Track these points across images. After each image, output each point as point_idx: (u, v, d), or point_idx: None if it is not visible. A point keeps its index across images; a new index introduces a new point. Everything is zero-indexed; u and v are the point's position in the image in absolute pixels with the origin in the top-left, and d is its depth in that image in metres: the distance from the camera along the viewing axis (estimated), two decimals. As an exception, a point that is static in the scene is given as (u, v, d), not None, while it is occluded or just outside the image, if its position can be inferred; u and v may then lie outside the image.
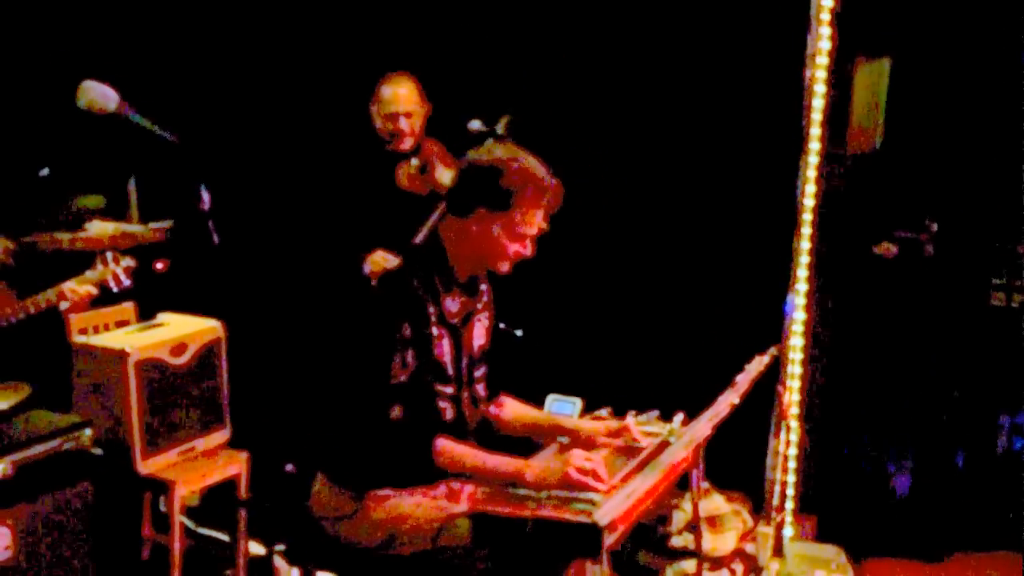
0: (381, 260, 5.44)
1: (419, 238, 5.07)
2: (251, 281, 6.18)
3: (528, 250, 3.96)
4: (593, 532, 3.46)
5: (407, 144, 5.72)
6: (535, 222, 3.92)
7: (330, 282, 5.49)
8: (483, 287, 4.20)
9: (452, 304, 4.02)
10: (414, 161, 5.61)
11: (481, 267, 4.07)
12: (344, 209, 5.65)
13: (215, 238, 3.59)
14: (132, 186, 6.66)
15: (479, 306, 4.17)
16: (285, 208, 6.36)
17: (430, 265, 4.00)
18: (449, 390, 4.02)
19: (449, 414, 4.02)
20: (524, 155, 3.95)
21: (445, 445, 3.83)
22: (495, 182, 3.86)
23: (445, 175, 5.49)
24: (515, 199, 3.86)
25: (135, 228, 6.49)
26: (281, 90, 6.68)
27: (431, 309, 3.94)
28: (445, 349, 3.99)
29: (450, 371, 4.02)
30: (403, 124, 5.70)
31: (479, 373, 4.19)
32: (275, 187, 6.52)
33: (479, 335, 4.17)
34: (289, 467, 3.92)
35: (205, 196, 3.64)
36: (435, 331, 3.95)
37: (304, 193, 6.09)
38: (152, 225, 6.54)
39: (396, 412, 3.80)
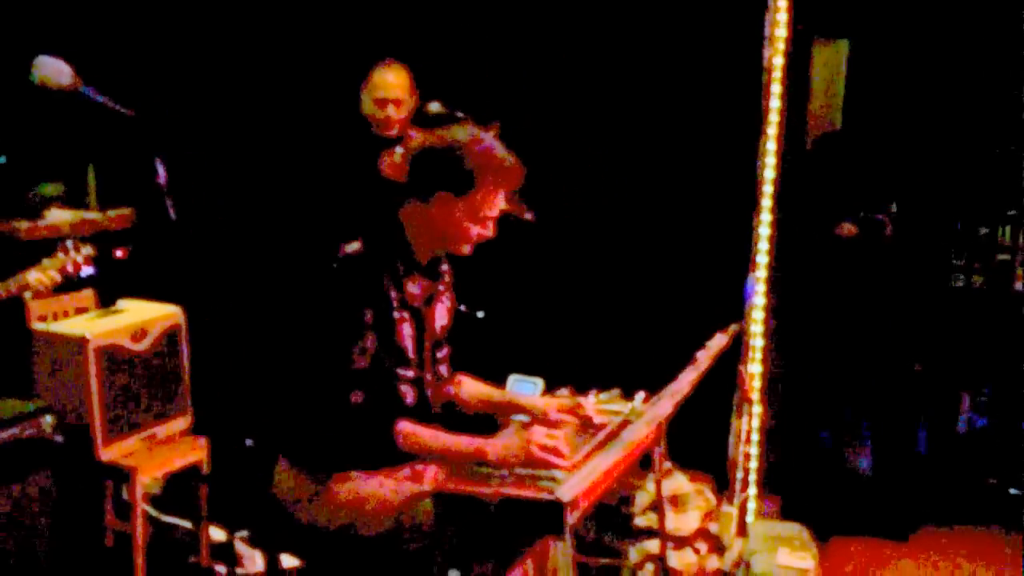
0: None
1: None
2: (211, 266, 6.19)
3: (490, 231, 3.94)
4: (556, 509, 3.45)
5: (393, 131, 5.70)
6: (497, 203, 3.91)
7: (295, 266, 5.46)
8: (444, 268, 4.18)
9: (414, 287, 4.00)
10: (399, 150, 5.59)
11: (443, 249, 4.05)
12: (322, 193, 5.64)
13: (172, 214, 3.55)
14: (91, 173, 6.63)
15: (441, 287, 4.16)
16: (251, 187, 6.33)
17: (391, 249, 3.97)
18: (410, 374, 4.00)
19: (410, 398, 4.00)
20: (484, 136, 3.94)
21: (406, 428, 3.82)
22: (456, 165, 3.84)
23: None
24: (477, 182, 3.84)
25: (94, 215, 6.49)
26: (263, 69, 6.65)
27: (393, 293, 3.92)
28: (407, 333, 3.97)
29: (411, 354, 4.00)
30: (391, 111, 5.68)
31: (441, 354, 4.18)
32: (243, 167, 6.49)
33: (441, 316, 4.16)
34: (248, 442, 3.91)
35: (161, 171, 3.61)
36: (397, 315, 3.93)
37: (278, 173, 6.06)
38: (111, 212, 6.54)
39: (356, 397, 3.79)
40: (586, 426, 4.11)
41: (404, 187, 3.96)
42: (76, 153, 6.67)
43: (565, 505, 3.44)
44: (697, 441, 5.36)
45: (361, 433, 3.82)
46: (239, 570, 5.49)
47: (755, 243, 5.49)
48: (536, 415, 4.19)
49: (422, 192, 3.92)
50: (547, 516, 3.49)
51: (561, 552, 3.95)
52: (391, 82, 5.71)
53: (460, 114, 5.12)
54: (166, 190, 3.56)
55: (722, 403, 5.53)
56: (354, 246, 3.95)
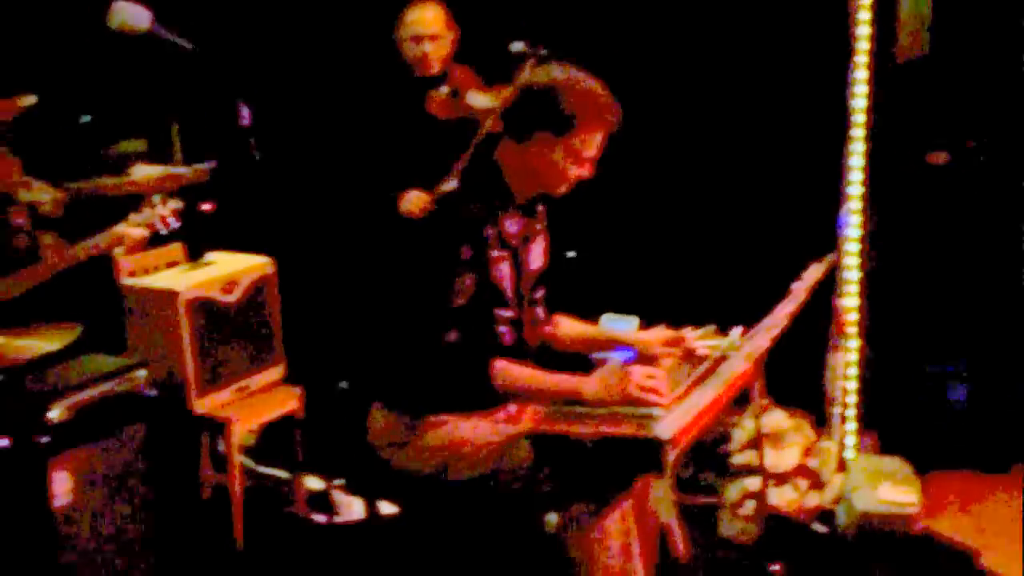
0: (417, 200, 5.40)
1: (461, 166, 5.04)
2: (299, 213, 6.21)
3: (588, 172, 3.89)
4: (656, 447, 3.41)
5: (433, 68, 5.64)
6: (596, 144, 3.85)
7: (385, 207, 5.44)
8: (540, 208, 4.13)
9: (511, 225, 3.97)
10: (444, 88, 5.53)
11: (540, 189, 4.01)
12: (377, 139, 5.60)
13: (256, 156, 3.53)
14: (174, 128, 6.63)
15: (537, 227, 4.12)
16: (323, 139, 6.30)
17: (488, 187, 3.94)
18: (508, 313, 3.97)
19: (508, 337, 3.97)
20: (584, 76, 3.87)
21: (503, 367, 3.79)
22: (555, 105, 3.79)
23: (476, 98, 5.43)
24: (576, 122, 3.78)
25: (179, 170, 6.47)
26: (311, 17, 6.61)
27: (490, 231, 3.89)
28: (504, 272, 3.94)
29: (509, 294, 3.97)
30: (428, 47, 5.61)
31: (538, 295, 4.14)
32: (312, 116, 6.46)
33: (537, 256, 4.11)
34: (343, 384, 3.88)
35: (245, 113, 3.59)
36: (494, 253, 3.90)
37: (339, 125, 6.03)
38: (196, 166, 6.53)
39: (453, 336, 3.76)
40: (688, 360, 4.04)
41: (456, 125, 3.92)
42: (158, 109, 6.66)
43: (665, 443, 3.40)
44: (794, 376, 5.29)
45: (457, 373, 3.79)
46: (336, 518, 5.50)
47: (847, 173, 5.40)
48: (639, 349, 4.13)
49: (520, 132, 3.87)
50: (647, 454, 3.44)
51: (662, 491, 3.90)
52: (426, 18, 5.64)
53: (543, 52, 5.05)
54: (250, 132, 3.53)
55: (818, 337, 5.45)
56: (451, 184, 3.92)
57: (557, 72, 3.88)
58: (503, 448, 3.75)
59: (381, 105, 5.73)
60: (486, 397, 3.83)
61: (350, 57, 6.30)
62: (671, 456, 3.44)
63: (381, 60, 5.79)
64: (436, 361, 3.79)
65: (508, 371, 3.79)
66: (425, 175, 5.27)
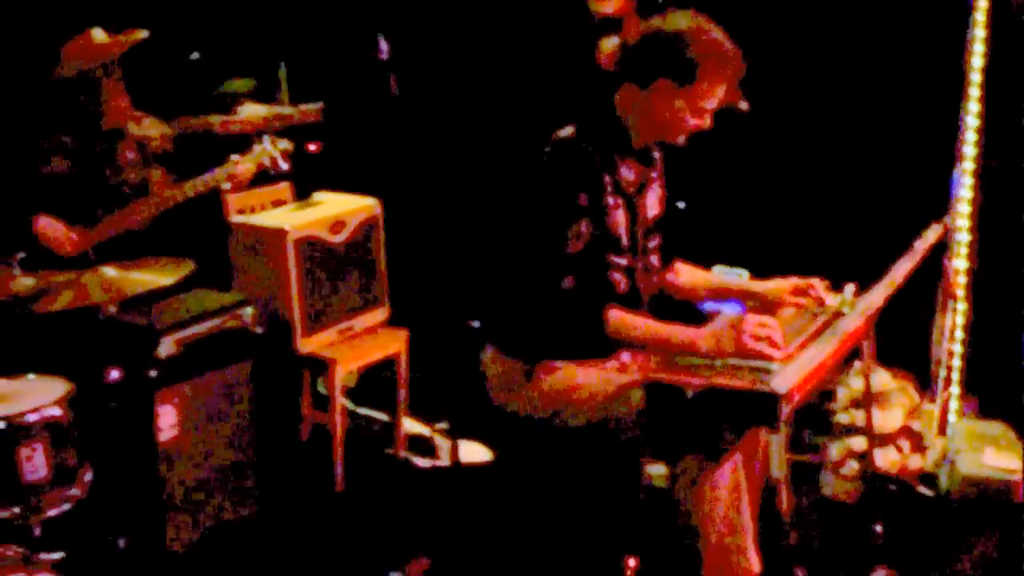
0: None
1: None
2: (408, 155, 6.19)
3: (707, 123, 3.85)
4: (771, 400, 3.37)
5: (608, 7, 5.51)
6: (717, 95, 3.81)
7: (506, 149, 5.37)
8: (656, 155, 4.10)
9: (627, 172, 3.94)
10: (615, 39, 5.41)
11: (657, 137, 3.97)
12: (534, 76, 5.50)
13: (395, 90, 3.51)
14: (282, 68, 6.65)
15: (653, 175, 4.08)
16: (460, 69, 6.23)
17: (605, 133, 3.90)
18: (623, 261, 3.95)
19: (623, 285, 3.96)
20: (711, 27, 3.81)
21: (617, 315, 3.76)
22: (680, 53, 3.74)
23: None
24: (700, 72, 3.74)
25: (286, 110, 6.50)
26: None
27: (606, 178, 3.86)
28: (620, 219, 3.91)
29: (625, 241, 3.95)
30: None
31: (653, 244, 4.11)
32: (454, 44, 6.38)
33: (653, 204, 4.08)
34: (476, 324, 3.87)
35: (384, 46, 3.56)
36: (611, 200, 3.87)
37: (488, 56, 5.95)
38: (303, 107, 6.55)
39: (569, 282, 3.74)
40: (803, 314, 3.99)
41: (620, 73, 3.87)
42: (266, 48, 6.68)
43: (780, 397, 3.36)
44: (899, 337, 5.22)
45: (572, 318, 3.76)
46: (435, 461, 5.52)
47: (962, 133, 5.31)
48: (765, 298, 4.10)
49: (642, 78, 3.82)
50: (761, 408, 3.41)
51: (775, 445, 3.87)
52: None
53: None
54: (388, 66, 3.50)
55: (925, 298, 5.38)
56: (567, 130, 3.89)
57: (685, 20, 3.82)
58: (615, 396, 3.73)
59: (547, 44, 5.62)
60: (599, 345, 3.80)
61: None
62: (785, 411, 3.40)
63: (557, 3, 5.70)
64: (552, 307, 3.77)
65: (622, 320, 3.76)
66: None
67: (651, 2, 5.03)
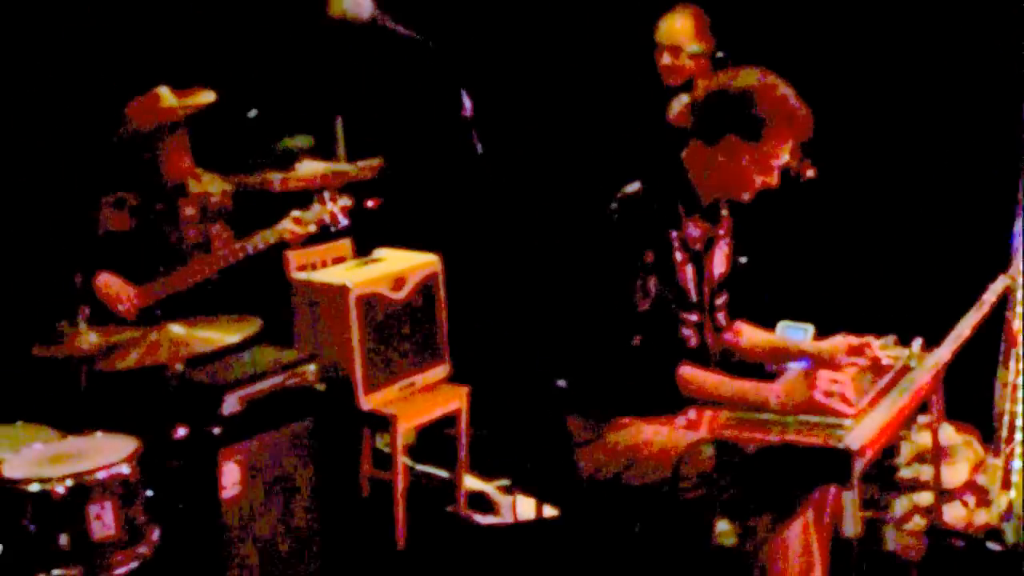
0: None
1: None
2: (467, 211, 6.19)
3: (774, 180, 3.84)
4: (843, 457, 3.35)
5: (675, 79, 5.51)
6: (784, 153, 3.80)
7: (573, 207, 5.39)
8: (724, 213, 4.09)
9: (694, 230, 3.94)
10: (684, 97, 5.44)
11: (724, 194, 3.97)
12: (606, 138, 5.53)
13: (478, 147, 3.51)
14: (339, 125, 6.68)
15: (720, 232, 4.08)
16: (531, 127, 6.24)
17: (672, 190, 3.91)
18: (694, 317, 3.96)
19: (693, 341, 3.95)
20: (779, 83, 3.82)
21: (688, 371, 3.75)
22: (747, 110, 3.74)
23: None
24: (766, 130, 3.74)
25: (345, 166, 6.54)
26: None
27: (673, 235, 3.86)
28: (689, 275, 3.92)
29: (694, 298, 3.95)
30: (667, 59, 5.49)
31: (720, 301, 4.10)
32: (532, 107, 6.40)
33: (719, 262, 4.08)
34: (561, 383, 3.85)
35: (467, 103, 3.57)
36: (678, 256, 3.87)
37: (565, 116, 5.95)
38: (361, 163, 6.58)
39: (637, 340, 3.72)
40: (870, 369, 3.97)
41: (689, 129, 3.87)
42: (322, 105, 6.72)
43: (854, 453, 3.33)
44: (962, 390, 5.18)
45: (643, 376, 3.76)
46: (496, 518, 5.49)
47: (1022, 184, 5.28)
48: (823, 358, 4.07)
49: (709, 135, 3.83)
50: (834, 464, 3.38)
51: (848, 503, 3.82)
52: (672, 28, 5.51)
53: (720, 55, 4.99)
54: (471, 123, 3.51)
55: (988, 351, 5.33)
56: (634, 187, 3.88)
57: (753, 77, 3.82)
58: (684, 453, 3.70)
59: (620, 108, 5.66)
60: (670, 402, 3.78)
61: (598, 57, 6.24)
62: (859, 467, 3.37)
63: (632, 63, 5.72)
64: (621, 364, 3.76)
65: (694, 376, 3.75)
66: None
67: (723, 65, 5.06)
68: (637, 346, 3.73)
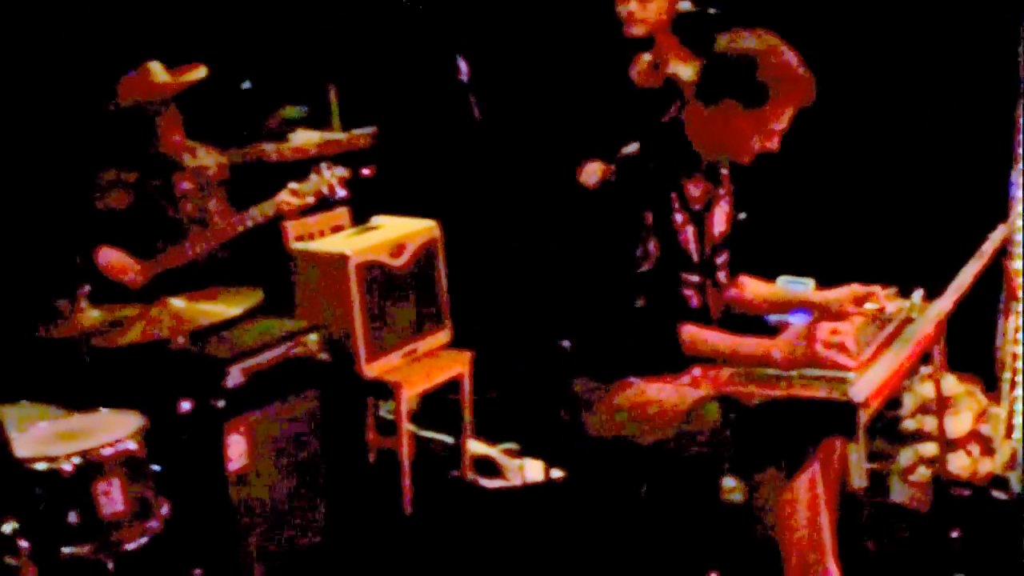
0: (596, 171, 5.32)
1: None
2: (465, 178, 6.19)
3: (774, 145, 3.82)
4: (849, 409, 3.36)
5: (637, 30, 5.40)
6: (785, 118, 3.78)
7: (569, 172, 5.38)
8: (723, 172, 4.08)
9: (694, 189, 3.93)
10: (646, 56, 5.40)
11: (723, 155, 3.95)
12: (568, 101, 5.51)
13: (476, 113, 3.50)
14: (332, 94, 6.67)
15: (720, 191, 4.06)
16: (516, 99, 6.22)
17: (671, 150, 3.89)
18: (695, 278, 3.95)
19: (694, 301, 3.95)
20: (783, 48, 3.77)
21: (691, 330, 3.75)
22: (750, 75, 3.70)
23: (681, 69, 5.32)
24: (768, 95, 3.71)
25: (339, 136, 6.53)
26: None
27: (673, 195, 3.85)
28: (689, 236, 3.91)
29: (695, 258, 3.94)
30: (633, 5, 5.28)
31: (721, 260, 4.10)
32: (513, 64, 6.36)
33: (720, 221, 4.07)
34: (566, 343, 3.85)
35: (464, 67, 3.56)
36: (678, 218, 3.87)
37: (534, 85, 5.94)
38: (355, 132, 6.57)
39: (640, 302, 3.73)
40: (874, 320, 3.97)
41: (659, 92, 3.85)
42: (317, 75, 6.71)
43: (858, 405, 3.34)
44: (964, 340, 5.18)
45: (645, 337, 3.75)
46: (503, 482, 5.51)
47: (1018, 133, 5.28)
48: (829, 308, 4.07)
49: (711, 96, 3.80)
50: (839, 417, 3.40)
51: (854, 455, 3.83)
52: None
53: (712, 11, 4.97)
54: (468, 87, 3.50)
55: (989, 301, 5.34)
56: (632, 147, 3.87)
57: (754, 41, 3.77)
58: (689, 411, 3.71)
59: (580, 65, 5.60)
60: (673, 361, 3.79)
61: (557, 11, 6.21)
62: (864, 419, 3.38)
63: (590, 16, 5.67)
64: (624, 326, 3.76)
65: (696, 335, 3.75)
66: (611, 145, 5.22)
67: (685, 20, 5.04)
68: (640, 307, 3.73)
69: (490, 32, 6.27)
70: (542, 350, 4.12)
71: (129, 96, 5.02)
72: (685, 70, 5.21)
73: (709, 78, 3.83)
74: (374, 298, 5.11)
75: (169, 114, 5.13)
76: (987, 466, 5.21)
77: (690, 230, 3.91)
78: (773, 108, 3.73)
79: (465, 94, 3.63)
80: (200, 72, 5.12)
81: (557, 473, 4.65)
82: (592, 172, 5.26)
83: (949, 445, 5.10)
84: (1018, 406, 5.46)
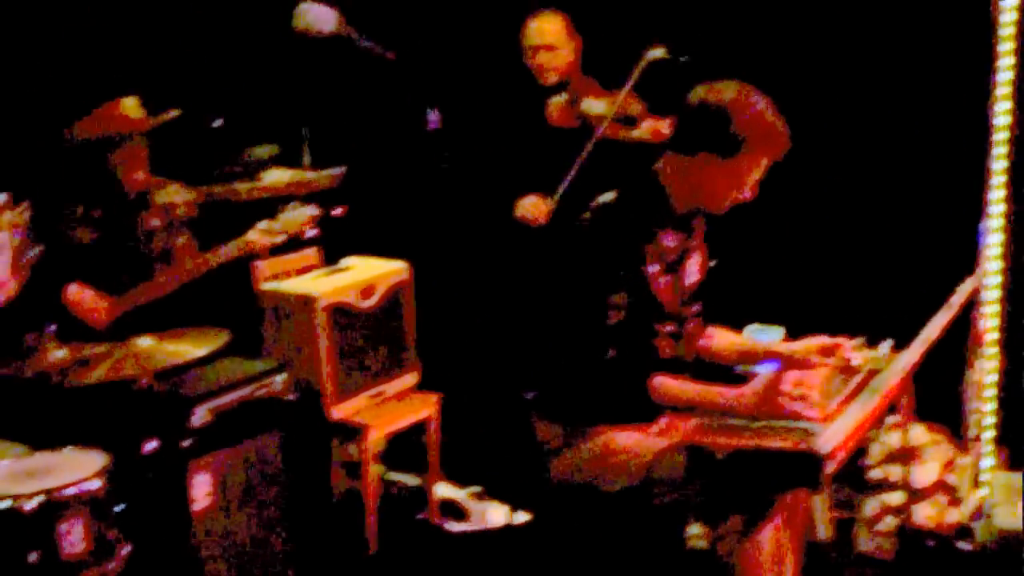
0: (532, 206, 5.39)
1: (571, 175, 5.07)
2: (435, 221, 6.19)
3: (748, 195, 3.84)
4: (813, 461, 3.36)
5: (551, 79, 5.60)
6: (760, 169, 3.80)
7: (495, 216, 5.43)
8: (696, 222, 4.08)
9: (668, 241, 3.92)
10: (562, 96, 5.51)
11: (698, 206, 3.95)
12: (499, 145, 5.59)
13: (445, 163, 3.50)
14: (305, 134, 6.67)
15: (694, 242, 4.06)
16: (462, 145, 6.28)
17: (646, 201, 3.89)
18: (668, 328, 3.95)
19: (667, 352, 3.94)
20: (757, 99, 3.79)
21: (661, 382, 3.74)
22: (725, 127, 3.72)
23: (591, 105, 5.41)
24: (744, 146, 3.72)
25: (310, 175, 6.52)
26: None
27: (647, 247, 3.85)
28: (662, 287, 3.90)
29: (668, 308, 3.94)
30: (543, 58, 5.58)
31: (694, 309, 4.10)
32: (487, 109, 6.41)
33: (693, 271, 4.07)
34: (529, 395, 3.85)
35: (433, 117, 3.56)
36: (652, 269, 3.86)
37: (472, 131, 6.00)
38: (326, 171, 6.57)
39: (612, 353, 3.72)
40: (841, 371, 3.97)
41: (574, 132, 3.84)
42: (288, 114, 6.70)
43: (824, 457, 3.35)
44: (931, 390, 5.19)
45: (616, 388, 3.75)
46: (468, 525, 5.49)
47: (988, 185, 5.30)
48: (795, 359, 4.07)
49: (685, 148, 3.82)
50: (804, 468, 3.40)
51: (818, 506, 3.84)
52: (543, 29, 5.60)
53: (683, 59, 5.01)
54: (437, 137, 3.50)
55: (957, 351, 5.35)
56: (608, 196, 3.87)
57: (730, 92, 3.79)
58: (656, 460, 3.70)
59: (506, 111, 5.71)
60: (644, 411, 3.78)
61: (485, 64, 6.26)
62: (829, 471, 3.39)
63: (512, 67, 5.77)
64: (595, 377, 3.75)
65: (666, 385, 3.75)
66: (541, 181, 5.29)
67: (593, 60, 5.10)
68: (611, 359, 3.72)
69: (447, 82, 6.34)
70: (510, 395, 4.12)
71: (99, 128, 4.98)
72: (597, 105, 5.33)
73: (686, 128, 3.83)
74: (342, 340, 5.10)
75: (132, 149, 5.07)
76: (954, 516, 5.21)
77: (663, 281, 3.91)
78: (746, 160, 3.74)
79: (435, 143, 3.63)
80: (172, 113, 5.10)
81: (522, 517, 4.63)
82: (527, 206, 5.35)
83: (916, 495, 5.11)
84: (985, 460, 5.48)
